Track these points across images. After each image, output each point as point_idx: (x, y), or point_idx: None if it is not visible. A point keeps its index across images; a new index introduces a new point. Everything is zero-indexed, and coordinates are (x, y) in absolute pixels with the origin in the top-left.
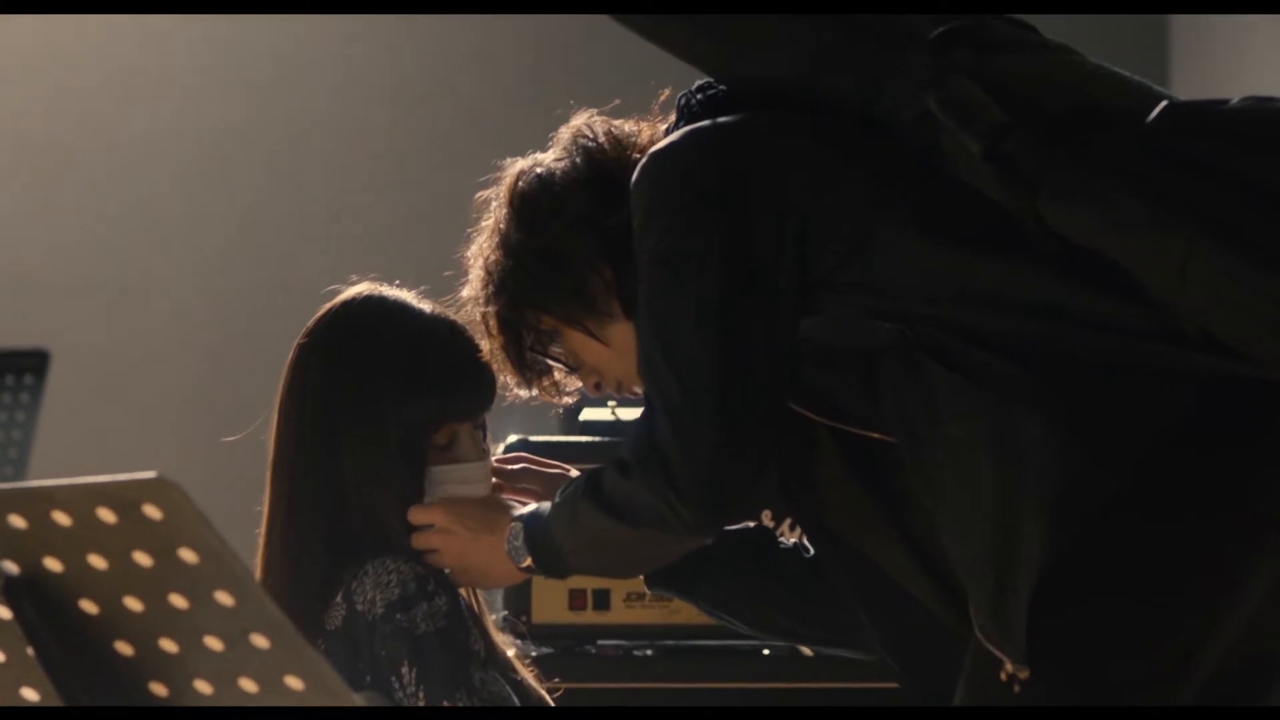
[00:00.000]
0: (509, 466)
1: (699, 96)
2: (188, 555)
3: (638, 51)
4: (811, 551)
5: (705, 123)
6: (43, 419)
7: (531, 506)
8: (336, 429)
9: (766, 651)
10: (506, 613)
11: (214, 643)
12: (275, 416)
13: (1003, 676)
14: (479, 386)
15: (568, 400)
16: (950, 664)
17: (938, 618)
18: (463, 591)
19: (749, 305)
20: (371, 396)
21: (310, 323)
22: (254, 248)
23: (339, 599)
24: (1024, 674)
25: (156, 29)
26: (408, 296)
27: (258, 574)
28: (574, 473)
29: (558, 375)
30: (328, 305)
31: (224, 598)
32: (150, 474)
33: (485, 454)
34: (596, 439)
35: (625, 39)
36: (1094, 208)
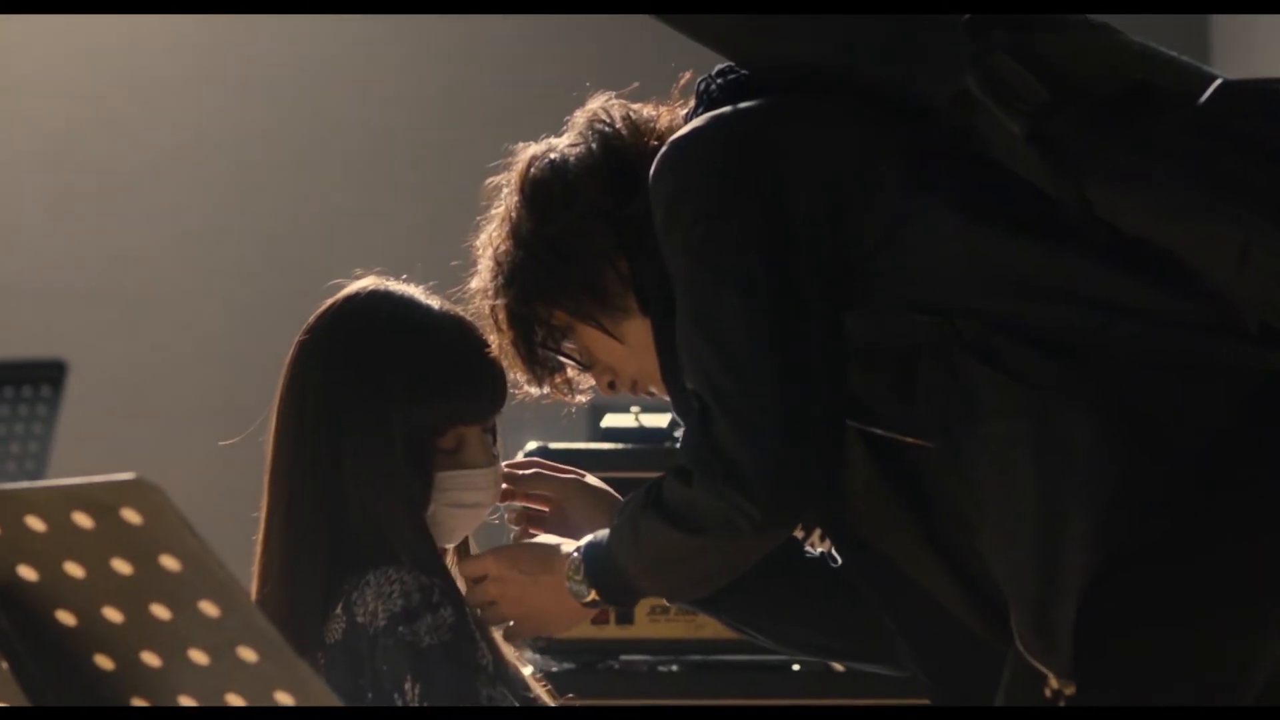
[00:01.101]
0: (520, 471)
1: (719, 81)
2: (169, 562)
3: (667, 50)
4: (839, 561)
5: (727, 109)
6: (60, 432)
7: (588, 537)
8: (338, 430)
9: (797, 667)
10: None
11: (199, 656)
12: (273, 417)
13: (1047, 693)
14: (489, 388)
15: (580, 399)
16: (987, 680)
17: (973, 630)
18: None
19: (796, 291)
20: (375, 397)
21: (311, 318)
22: (277, 257)
23: (339, 610)
24: (1070, 690)
25: (178, 36)
26: (415, 292)
27: (254, 584)
28: (589, 479)
29: (571, 373)
30: (330, 300)
31: (208, 608)
32: (128, 475)
33: (494, 459)
34: (619, 446)
35: (658, 41)
36: (1146, 193)
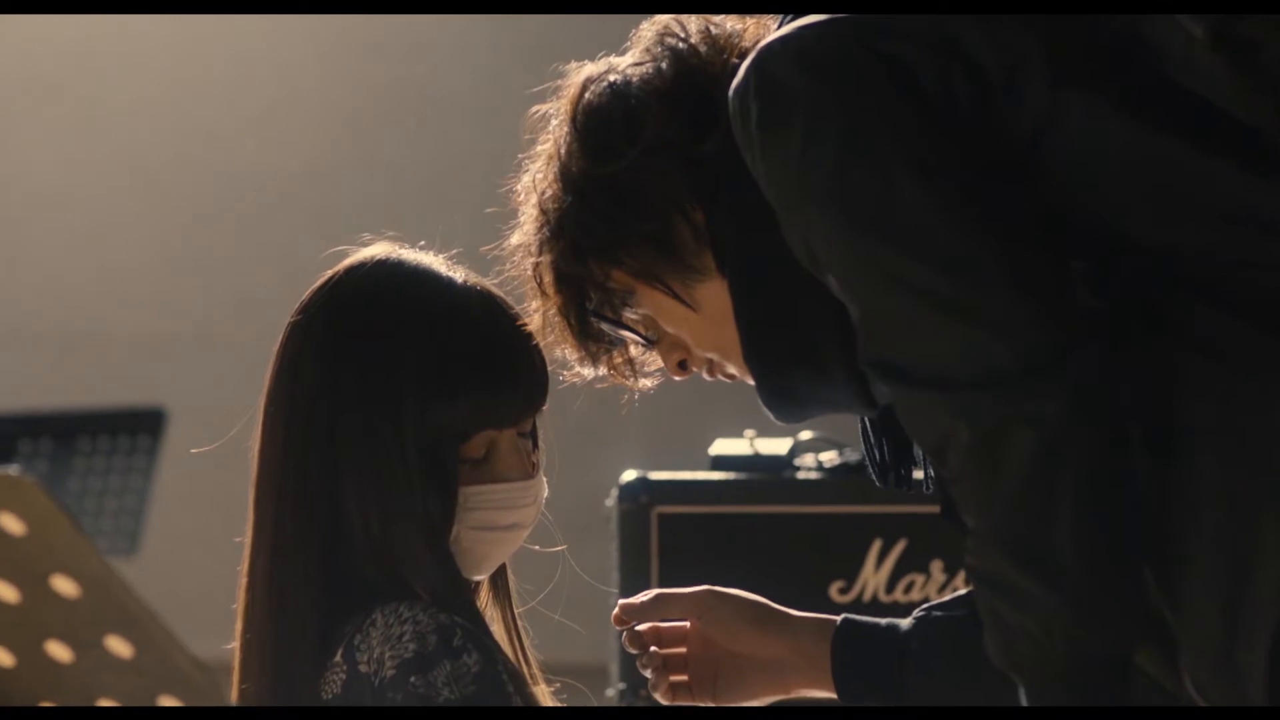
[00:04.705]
0: (638, 601)
1: None
2: (65, 586)
3: None
4: None
5: (823, 16)
6: (161, 484)
7: None
8: (337, 437)
9: None
10: (624, 685)
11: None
12: (259, 419)
13: None
14: (525, 381)
15: (646, 384)
16: None
17: (1145, 671)
18: (505, 645)
19: (988, 184)
20: (383, 393)
21: (306, 295)
22: None
23: (339, 658)
24: None
25: (291, 66)
26: (434, 262)
27: (237, 626)
28: (718, 589)
29: (633, 350)
30: (329, 272)
31: (118, 645)
32: (4, 470)
33: (534, 470)
34: (731, 476)
35: None
36: None
